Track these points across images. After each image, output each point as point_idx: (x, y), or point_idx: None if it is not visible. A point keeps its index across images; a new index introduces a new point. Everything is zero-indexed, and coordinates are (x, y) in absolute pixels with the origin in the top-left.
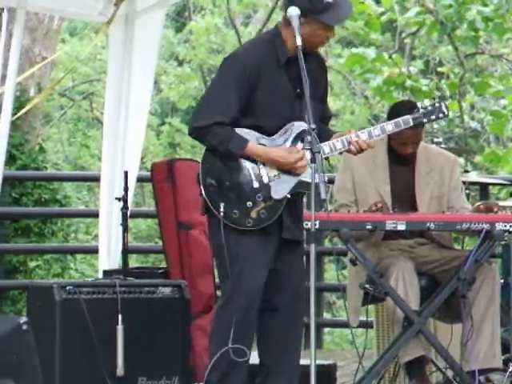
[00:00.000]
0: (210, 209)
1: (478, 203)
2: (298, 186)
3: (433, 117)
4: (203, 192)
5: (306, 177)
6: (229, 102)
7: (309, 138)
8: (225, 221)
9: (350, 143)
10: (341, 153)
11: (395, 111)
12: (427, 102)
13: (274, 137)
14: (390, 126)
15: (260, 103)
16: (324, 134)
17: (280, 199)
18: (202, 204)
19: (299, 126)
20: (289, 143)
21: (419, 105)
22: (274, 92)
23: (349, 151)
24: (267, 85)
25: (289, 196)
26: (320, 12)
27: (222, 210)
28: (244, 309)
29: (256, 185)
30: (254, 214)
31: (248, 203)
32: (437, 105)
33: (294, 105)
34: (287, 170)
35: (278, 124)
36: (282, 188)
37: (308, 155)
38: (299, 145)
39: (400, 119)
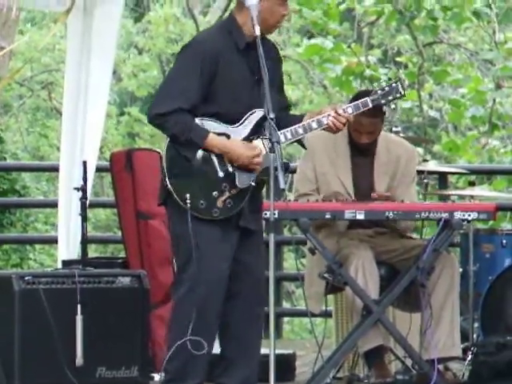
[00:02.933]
0: (170, 198)
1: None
2: (261, 173)
3: (390, 97)
4: (168, 183)
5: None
6: (189, 88)
7: (267, 126)
8: (191, 211)
9: (310, 128)
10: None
11: (355, 98)
12: (384, 84)
13: (236, 125)
14: (349, 109)
15: (220, 90)
16: (283, 123)
17: (245, 188)
18: (159, 194)
19: (259, 113)
20: (248, 130)
21: (377, 87)
22: (233, 78)
23: (328, 128)
24: (227, 71)
25: (253, 184)
26: None
27: (188, 200)
28: (205, 299)
29: (221, 174)
30: (220, 204)
31: (214, 193)
32: (393, 85)
33: (253, 91)
34: (245, 165)
35: (240, 111)
36: (246, 176)
37: (267, 145)
38: (256, 141)
39: (359, 102)
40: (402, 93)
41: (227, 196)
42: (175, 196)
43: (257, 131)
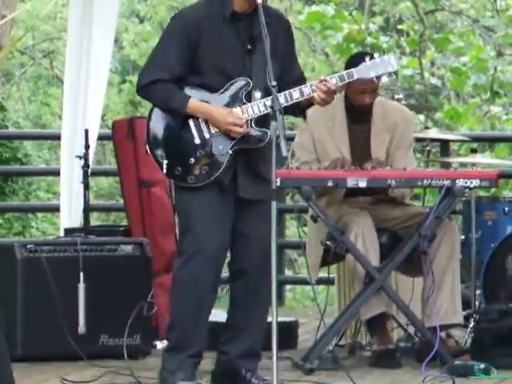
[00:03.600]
0: None
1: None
2: (240, 142)
3: (380, 70)
4: (148, 149)
5: (251, 131)
6: (169, 58)
7: (257, 94)
8: (168, 177)
9: (306, 94)
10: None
11: (350, 60)
12: (376, 56)
13: (218, 93)
14: (333, 80)
15: (205, 60)
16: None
17: (222, 155)
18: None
19: (241, 82)
20: (227, 98)
21: (366, 58)
22: (219, 49)
23: (312, 100)
24: (211, 41)
25: (231, 152)
26: None
27: (164, 167)
28: (202, 268)
29: (197, 141)
30: (196, 171)
31: (190, 159)
32: (385, 58)
33: (243, 61)
34: (222, 130)
35: (225, 80)
36: (223, 144)
37: (257, 114)
38: (248, 105)
39: (344, 72)
40: (394, 66)
41: (204, 163)
42: (155, 163)
43: (236, 99)
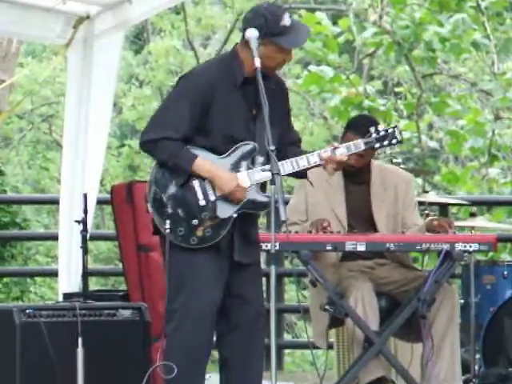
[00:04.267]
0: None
1: (431, 218)
2: (245, 205)
3: (385, 142)
4: (150, 209)
5: (257, 196)
6: (180, 118)
7: (260, 159)
8: (170, 238)
9: (313, 162)
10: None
11: (353, 122)
12: (381, 127)
13: (223, 156)
14: (340, 149)
15: (214, 124)
16: (291, 155)
17: (226, 218)
18: (153, 223)
19: (247, 146)
20: (232, 162)
21: (372, 129)
22: (228, 113)
23: (322, 166)
24: (222, 105)
25: (235, 215)
26: (277, 35)
27: (167, 226)
28: (193, 334)
29: (202, 202)
30: (199, 233)
31: (194, 221)
32: (390, 130)
33: (248, 127)
34: (224, 194)
35: (231, 144)
36: (228, 207)
37: (261, 179)
38: (253, 171)
39: (351, 143)
40: (399, 139)
41: (207, 225)
42: (156, 222)
43: (241, 164)
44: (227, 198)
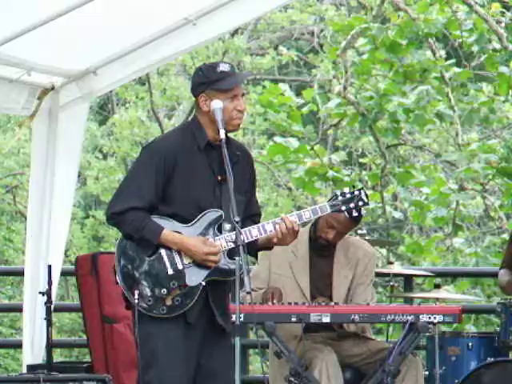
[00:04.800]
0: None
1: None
2: (213, 273)
3: (352, 204)
4: (118, 280)
5: (225, 264)
6: (144, 187)
7: (226, 226)
8: (139, 308)
9: (266, 231)
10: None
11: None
12: (346, 190)
13: (190, 224)
14: (307, 213)
15: (178, 191)
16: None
17: (194, 286)
18: (123, 297)
19: (214, 213)
20: (200, 230)
21: (338, 192)
22: (192, 179)
23: (275, 238)
24: (186, 171)
25: (203, 283)
26: (216, 81)
27: (136, 297)
28: None
29: (170, 272)
30: (168, 302)
31: (163, 290)
32: (356, 193)
33: (214, 192)
34: (199, 260)
35: (197, 212)
36: (196, 275)
37: (228, 246)
38: (219, 237)
39: (317, 206)
40: (365, 201)
41: (176, 294)
42: (125, 293)
43: (208, 231)
44: (196, 266)
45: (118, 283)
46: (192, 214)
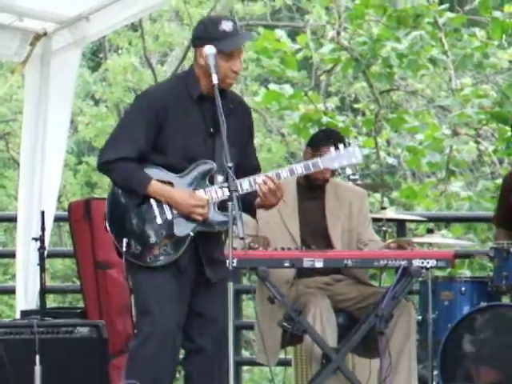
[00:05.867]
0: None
1: (390, 241)
2: (202, 225)
3: (344, 162)
4: (108, 227)
5: (214, 215)
6: (135, 137)
7: (219, 177)
8: (127, 257)
9: (255, 184)
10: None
11: (314, 139)
12: (341, 146)
13: (182, 174)
14: (299, 169)
15: (170, 141)
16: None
17: (183, 236)
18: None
19: (206, 165)
20: (189, 180)
21: (332, 149)
22: (185, 130)
23: (261, 198)
24: (178, 122)
25: (192, 234)
26: (216, 40)
27: (124, 245)
28: (156, 354)
29: (159, 221)
30: (156, 251)
31: (151, 239)
32: (350, 149)
33: (206, 143)
34: (185, 213)
35: (189, 162)
36: (185, 226)
37: (218, 198)
38: (210, 189)
39: (310, 162)
40: (359, 158)
41: (164, 243)
42: (114, 241)
43: (200, 182)
44: (185, 217)
45: (106, 230)
46: (183, 164)
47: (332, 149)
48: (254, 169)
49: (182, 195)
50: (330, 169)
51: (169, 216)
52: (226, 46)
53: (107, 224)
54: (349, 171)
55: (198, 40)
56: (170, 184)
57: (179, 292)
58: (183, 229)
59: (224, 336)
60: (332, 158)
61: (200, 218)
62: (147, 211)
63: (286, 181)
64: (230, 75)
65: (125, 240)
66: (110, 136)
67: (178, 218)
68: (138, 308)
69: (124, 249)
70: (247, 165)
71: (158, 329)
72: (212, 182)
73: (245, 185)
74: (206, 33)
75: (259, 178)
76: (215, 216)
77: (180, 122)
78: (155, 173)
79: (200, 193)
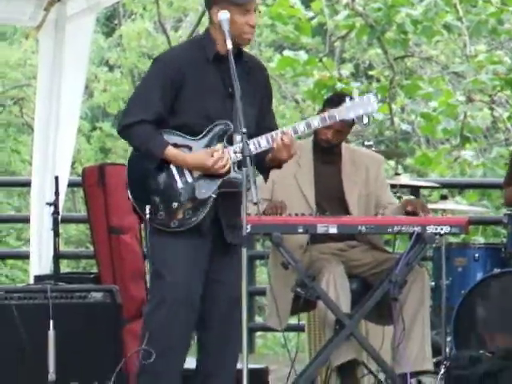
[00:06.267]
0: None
1: (405, 200)
2: (223, 185)
3: (360, 111)
4: (129, 195)
5: (234, 175)
6: (153, 101)
7: (237, 137)
8: (151, 223)
9: (273, 140)
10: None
11: (329, 98)
12: (355, 95)
13: (200, 137)
14: (315, 122)
15: (187, 102)
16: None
17: (205, 199)
18: (133, 211)
19: (223, 125)
20: (207, 143)
21: (347, 98)
22: (201, 90)
23: (273, 151)
24: (195, 83)
25: (214, 196)
26: None
27: (147, 212)
28: (171, 317)
29: (180, 185)
30: (179, 215)
31: (173, 204)
32: (365, 98)
33: (225, 104)
34: (209, 173)
35: (207, 123)
36: (206, 188)
37: (237, 157)
38: (227, 149)
39: (326, 114)
40: (374, 107)
41: (187, 208)
42: (136, 207)
43: (216, 144)
44: (206, 178)
45: (129, 198)
46: (202, 125)
47: (347, 99)
48: (274, 127)
49: (198, 158)
50: (347, 120)
51: (189, 179)
52: None
53: (129, 191)
54: (365, 120)
55: None
56: (189, 148)
57: (197, 258)
58: (205, 191)
59: (237, 303)
60: (347, 109)
61: (223, 171)
62: (168, 176)
63: (304, 140)
64: (247, 30)
65: (148, 207)
66: (129, 100)
67: (199, 180)
68: (154, 271)
69: (148, 216)
70: (265, 126)
71: (170, 296)
72: (230, 142)
73: (263, 142)
74: None
75: (277, 135)
76: (235, 175)
77: (197, 83)
78: (172, 139)
79: (217, 147)
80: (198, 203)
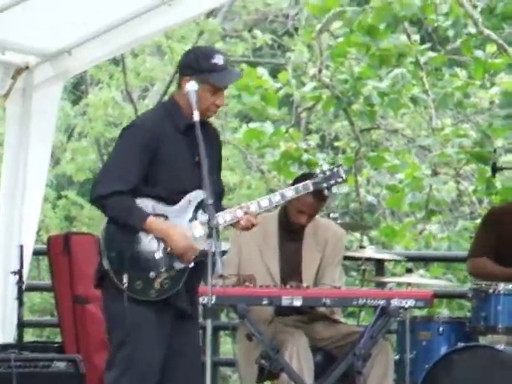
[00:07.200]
0: (106, 280)
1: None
2: (199, 255)
3: (332, 181)
4: (105, 264)
5: (206, 246)
6: (129, 170)
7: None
8: (129, 293)
9: (236, 217)
10: (232, 225)
11: (298, 178)
12: (325, 167)
13: (178, 208)
14: (290, 192)
15: (161, 172)
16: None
17: (182, 269)
18: (95, 275)
19: (197, 195)
20: (190, 213)
21: (318, 170)
22: (174, 161)
23: (238, 226)
24: (167, 154)
25: (191, 265)
26: (207, 71)
27: (125, 281)
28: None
29: (158, 255)
30: (157, 285)
31: (151, 274)
32: (335, 170)
33: (193, 174)
34: (176, 254)
35: (180, 192)
36: None
37: (204, 231)
38: (194, 223)
39: (300, 184)
40: (344, 177)
41: (165, 277)
42: (113, 277)
43: (195, 213)
44: None
45: (103, 267)
46: (175, 195)
47: (318, 171)
48: (221, 192)
49: (178, 236)
50: (319, 190)
51: (168, 249)
52: (218, 81)
53: (104, 261)
54: (335, 190)
55: (188, 69)
56: (164, 217)
57: (162, 327)
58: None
59: (200, 374)
60: (320, 180)
61: (185, 262)
62: (144, 245)
63: (270, 214)
64: (213, 109)
65: (125, 276)
66: (103, 169)
67: None
68: (118, 339)
69: (125, 285)
70: (218, 188)
71: (135, 366)
72: (205, 209)
73: (227, 218)
74: (196, 63)
75: (240, 212)
76: (205, 246)
77: (169, 153)
78: (146, 203)
79: (198, 230)
80: (176, 273)
